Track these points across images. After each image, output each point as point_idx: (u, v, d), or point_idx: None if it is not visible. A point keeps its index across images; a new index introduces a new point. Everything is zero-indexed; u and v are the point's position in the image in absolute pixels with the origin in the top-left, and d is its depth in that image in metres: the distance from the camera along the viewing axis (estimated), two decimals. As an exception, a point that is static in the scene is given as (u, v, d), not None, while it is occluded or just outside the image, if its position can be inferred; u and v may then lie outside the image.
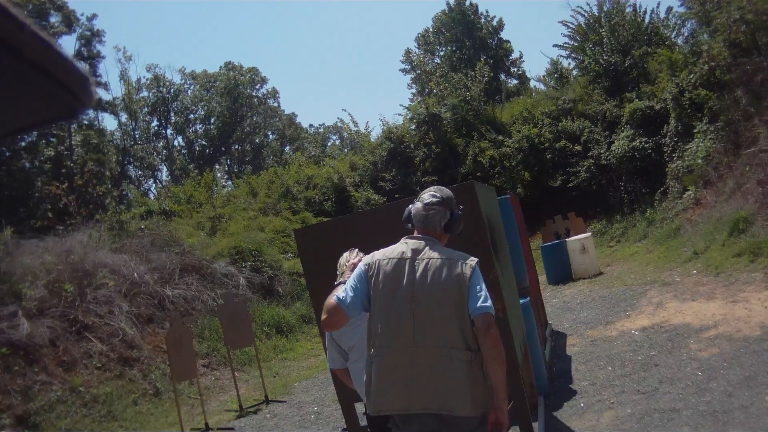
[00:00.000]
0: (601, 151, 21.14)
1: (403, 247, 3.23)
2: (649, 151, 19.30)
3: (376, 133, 27.84)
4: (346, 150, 34.19)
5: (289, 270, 17.01)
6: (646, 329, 9.23)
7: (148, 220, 18.12)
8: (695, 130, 16.82)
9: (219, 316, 11.08)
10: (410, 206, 3.35)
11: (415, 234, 3.30)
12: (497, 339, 2.98)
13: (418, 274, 3.09)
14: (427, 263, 3.11)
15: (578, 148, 21.74)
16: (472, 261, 3.16)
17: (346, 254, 4.09)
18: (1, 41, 0.66)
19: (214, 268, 15.20)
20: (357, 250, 4.10)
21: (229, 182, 38.66)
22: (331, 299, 3.19)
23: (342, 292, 3.20)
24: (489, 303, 3.03)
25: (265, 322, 14.34)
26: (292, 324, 14.67)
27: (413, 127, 25.32)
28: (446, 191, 3.34)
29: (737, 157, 14.41)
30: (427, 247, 3.17)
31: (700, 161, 15.87)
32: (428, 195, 3.29)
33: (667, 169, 18.04)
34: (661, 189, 18.20)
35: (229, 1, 73.14)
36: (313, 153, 35.51)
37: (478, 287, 3.06)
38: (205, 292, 14.27)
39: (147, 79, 43.06)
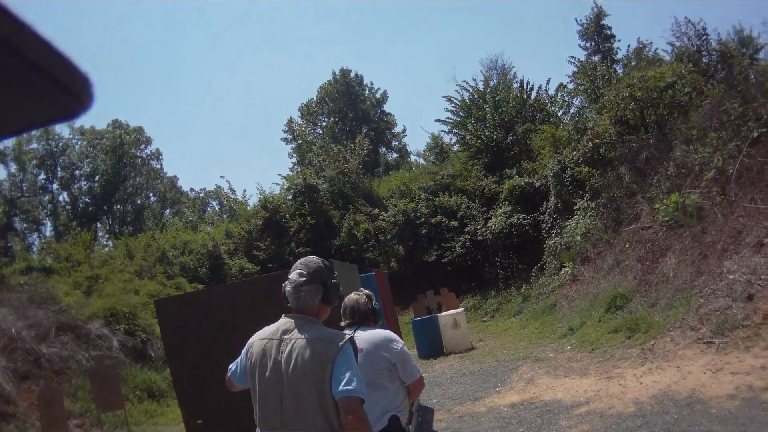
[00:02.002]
0: (478, 227, 20.95)
1: (275, 326, 3.18)
2: (527, 227, 19.13)
3: (253, 201, 27.85)
4: (224, 216, 34.18)
5: (160, 335, 16.20)
6: (516, 405, 8.92)
7: (28, 275, 18.35)
8: (575, 207, 16.68)
9: (90, 378, 11.39)
10: (284, 284, 3.20)
11: (292, 312, 3.19)
12: (357, 424, 2.84)
13: (284, 356, 3.03)
14: (293, 344, 3.03)
15: (454, 223, 21.56)
16: (340, 341, 3.01)
17: (353, 295, 4.16)
18: (1, 41, 0.67)
19: (89, 329, 15.11)
20: (364, 291, 4.25)
21: (110, 242, 37.58)
22: (230, 366, 3.39)
23: (233, 364, 3.36)
24: (353, 386, 2.87)
25: (137, 385, 14.21)
26: (164, 389, 14.42)
27: (290, 197, 25.17)
28: (313, 264, 3.19)
29: (617, 234, 14.25)
30: (296, 328, 3.09)
31: (579, 238, 15.65)
32: (295, 275, 3.14)
33: (544, 246, 17.77)
34: (538, 265, 17.93)
35: (117, 58, 71.16)
36: (190, 218, 35.46)
37: (343, 368, 2.92)
38: (80, 352, 14.19)
39: (37, 131, 41.47)
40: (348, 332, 3.55)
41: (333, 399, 2.90)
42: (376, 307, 4.16)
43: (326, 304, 3.21)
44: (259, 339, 3.19)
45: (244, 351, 3.29)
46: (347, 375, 2.90)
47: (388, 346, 4.02)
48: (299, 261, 3.24)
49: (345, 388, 2.86)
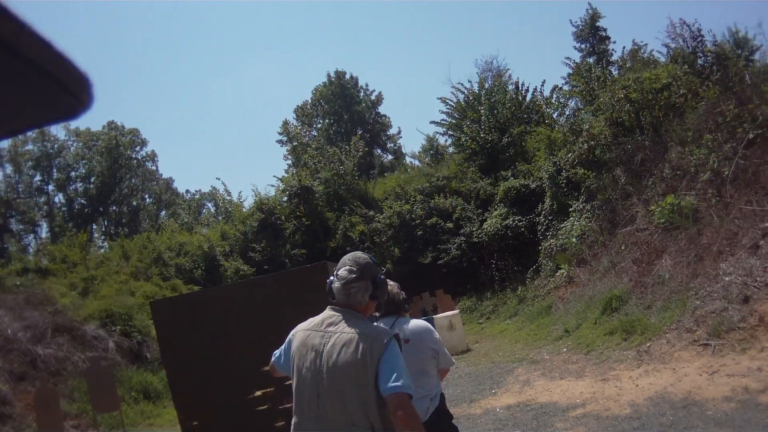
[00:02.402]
0: (473, 229, 20.89)
1: (321, 318, 3.18)
2: (522, 229, 19.09)
3: (248, 203, 27.62)
4: (220, 218, 34.19)
5: (156, 336, 16.15)
6: (512, 407, 8.89)
7: (24, 276, 18.32)
8: (571, 209, 16.63)
9: (85, 379, 11.35)
10: (330, 281, 3.20)
11: (336, 306, 3.19)
12: (407, 420, 2.80)
13: (326, 349, 3.02)
14: (337, 338, 3.02)
15: (450, 225, 21.47)
16: (386, 337, 2.99)
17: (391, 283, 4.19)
18: (1, 41, 0.67)
19: (85, 330, 15.09)
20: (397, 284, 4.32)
21: (105, 244, 37.97)
22: (274, 352, 3.45)
23: (278, 350, 3.41)
24: (401, 382, 2.85)
25: (132, 387, 14.15)
26: (160, 390, 14.33)
27: (285, 199, 25.08)
28: (362, 260, 3.18)
29: (613, 236, 14.22)
30: (342, 321, 3.08)
31: (574, 240, 15.60)
32: (345, 271, 3.12)
33: (540, 248, 17.74)
34: (534, 267, 17.87)
35: (112, 60, 70.99)
36: (186, 220, 35.53)
37: (390, 365, 2.90)
38: (76, 353, 14.17)
39: (33, 133, 41.68)
40: (386, 326, 3.75)
41: (376, 396, 2.89)
42: (404, 296, 4.30)
43: (374, 300, 3.23)
44: (303, 329, 3.20)
45: (288, 339, 3.32)
46: (395, 372, 2.88)
47: (431, 336, 4.23)
48: (347, 257, 3.22)
49: (393, 384, 2.85)
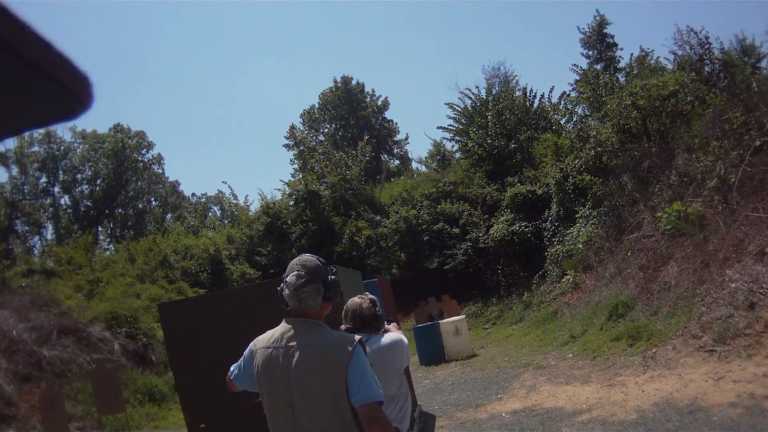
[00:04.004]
0: (480, 234, 20.91)
1: (279, 333, 3.08)
2: (529, 235, 19.09)
3: (255, 206, 27.79)
4: (226, 221, 34.18)
5: (163, 339, 16.32)
6: (517, 412, 8.89)
7: (30, 278, 18.28)
8: (577, 215, 16.68)
9: (91, 381, 11.37)
10: (280, 288, 3.11)
11: (293, 316, 3.10)
12: (381, 430, 2.76)
13: (292, 365, 2.94)
14: (301, 351, 2.95)
15: (456, 230, 21.51)
16: (351, 344, 2.92)
17: (356, 299, 4.04)
18: (1, 41, 0.66)
19: (90, 332, 15.08)
20: (369, 295, 4.13)
21: (111, 246, 37.77)
22: (231, 368, 3.35)
23: (235, 366, 3.31)
24: (372, 392, 2.81)
25: (138, 389, 14.16)
26: (165, 393, 14.43)
27: (291, 203, 25.13)
28: (311, 264, 3.09)
29: (619, 242, 14.23)
30: (302, 333, 3.00)
31: (580, 246, 15.63)
32: (293, 277, 3.03)
33: (546, 254, 17.74)
34: (540, 273, 17.87)
35: (119, 62, 71.28)
36: (192, 223, 35.46)
37: (358, 374, 2.84)
38: (81, 355, 14.15)
39: (39, 134, 42.14)
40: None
41: (350, 405, 2.84)
42: (379, 312, 4.00)
43: (328, 302, 3.13)
44: (263, 347, 3.10)
45: (246, 355, 3.23)
46: (363, 381, 2.84)
47: (401, 355, 3.96)
48: (295, 262, 3.15)
49: (363, 395, 2.81)
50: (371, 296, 4.10)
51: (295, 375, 2.93)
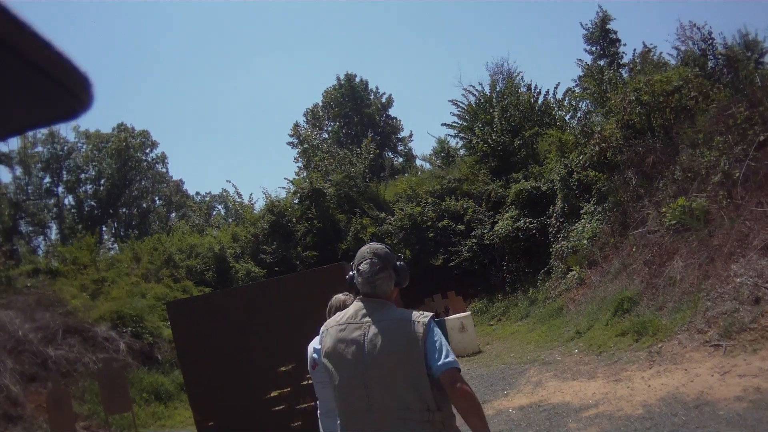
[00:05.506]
0: (485, 231, 20.88)
1: (352, 311, 3.17)
2: (534, 231, 19.05)
3: (259, 205, 27.44)
4: (230, 220, 33.89)
5: (169, 338, 16.64)
6: (524, 408, 8.94)
7: (35, 278, 18.26)
8: (582, 211, 16.66)
9: (97, 381, 11.47)
10: (350, 275, 3.25)
11: (364, 297, 3.19)
12: (466, 392, 2.86)
13: (368, 339, 3.01)
14: (376, 327, 3.02)
15: (461, 227, 21.51)
16: (424, 318, 3.02)
17: (341, 296, 4.08)
18: (1, 41, 0.67)
19: (96, 332, 15.18)
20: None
21: (115, 245, 37.69)
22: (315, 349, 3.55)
23: (311, 348, 3.60)
24: (450, 358, 2.90)
25: (144, 388, 14.25)
26: (171, 391, 14.55)
27: (296, 201, 25.07)
28: (381, 251, 3.20)
29: (624, 238, 14.22)
30: (376, 311, 3.08)
31: (585, 242, 15.62)
32: (367, 265, 3.13)
33: (551, 250, 17.74)
34: (545, 269, 17.86)
35: (122, 62, 71.36)
36: (196, 222, 35.06)
37: (435, 344, 2.93)
38: (87, 354, 14.25)
39: (42, 135, 42.12)
40: None
41: (427, 376, 2.89)
42: None
43: (398, 287, 3.24)
44: (335, 324, 3.18)
45: (319, 337, 3.33)
46: (443, 349, 2.92)
47: None
48: (365, 250, 3.23)
49: (445, 361, 2.88)
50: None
51: (370, 348, 2.99)
